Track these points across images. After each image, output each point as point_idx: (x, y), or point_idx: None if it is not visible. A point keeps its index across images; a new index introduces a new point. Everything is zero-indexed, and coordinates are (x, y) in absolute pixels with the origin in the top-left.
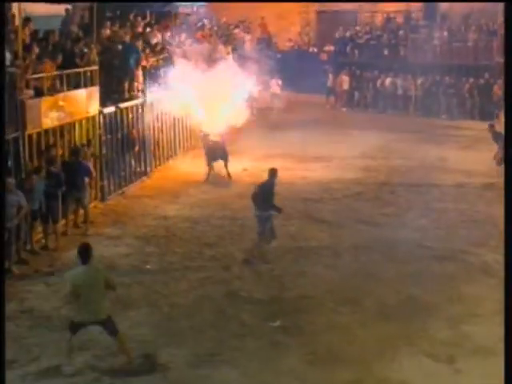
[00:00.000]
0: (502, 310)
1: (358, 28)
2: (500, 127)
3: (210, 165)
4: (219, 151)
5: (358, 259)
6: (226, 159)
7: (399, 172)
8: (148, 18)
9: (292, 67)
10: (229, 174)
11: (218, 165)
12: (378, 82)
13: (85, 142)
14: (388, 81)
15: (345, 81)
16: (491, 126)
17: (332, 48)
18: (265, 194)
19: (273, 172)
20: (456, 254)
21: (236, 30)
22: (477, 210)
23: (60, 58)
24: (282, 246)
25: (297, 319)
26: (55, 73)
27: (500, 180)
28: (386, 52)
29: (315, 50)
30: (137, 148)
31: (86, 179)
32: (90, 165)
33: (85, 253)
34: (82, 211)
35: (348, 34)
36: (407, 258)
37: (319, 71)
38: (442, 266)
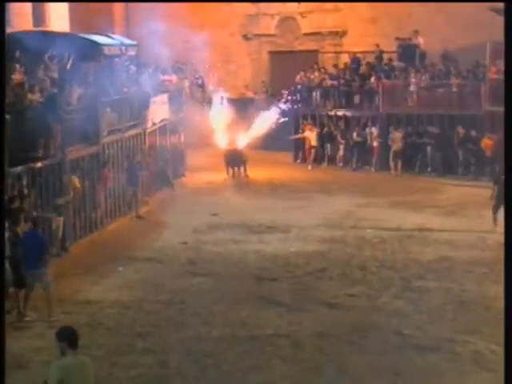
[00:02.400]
0: None
1: (322, 71)
2: None
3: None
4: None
5: (322, 350)
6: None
7: (370, 243)
8: (67, 60)
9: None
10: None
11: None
12: (352, 135)
13: None
14: (361, 133)
15: (312, 134)
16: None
17: (290, 96)
18: None
19: None
20: (441, 344)
21: (167, 76)
22: (464, 289)
23: None
24: (231, 335)
25: None
26: None
27: (492, 253)
28: (356, 100)
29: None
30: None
31: None
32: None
33: (73, 336)
34: None
35: (313, 77)
36: (381, 349)
37: (282, 124)
38: (424, 357)
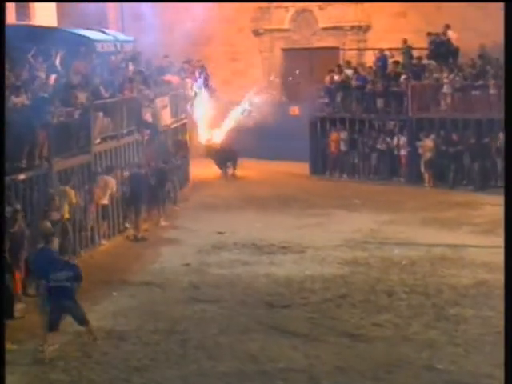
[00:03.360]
0: None
1: (348, 71)
2: None
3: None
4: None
5: None
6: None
7: (398, 266)
8: (54, 58)
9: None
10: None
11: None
12: (378, 142)
13: None
14: (388, 140)
15: (335, 142)
16: None
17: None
18: None
19: None
20: (478, 380)
21: (168, 76)
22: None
23: None
24: (239, 370)
25: None
26: None
27: None
28: (382, 103)
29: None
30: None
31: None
32: None
33: None
34: None
35: (337, 78)
36: None
37: (297, 131)
38: None
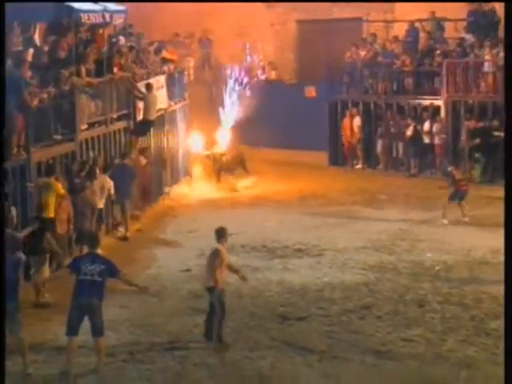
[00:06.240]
0: None
1: (376, 46)
2: None
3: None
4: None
5: None
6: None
7: (431, 272)
8: (32, 31)
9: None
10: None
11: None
12: (408, 129)
13: None
14: (419, 126)
15: (358, 128)
16: None
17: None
18: None
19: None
20: None
21: (166, 53)
22: None
23: None
24: None
25: None
26: None
27: None
28: (410, 83)
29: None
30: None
31: None
32: None
33: None
34: None
35: (363, 53)
36: None
37: (313, 115)
38: None
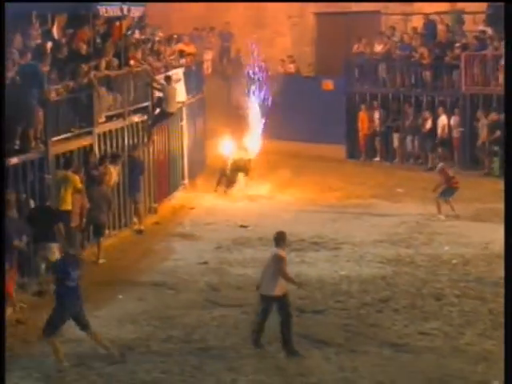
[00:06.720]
0: None
1: (395, 39)
2: None
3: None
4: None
5: None
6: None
7: (449, 265)
8: (50, 24)
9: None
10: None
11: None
12: (426, 122)
13: None
14: (440, 121)
15: (376, 121)
16: None
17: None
18: None
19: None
20: None
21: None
22: None
23: None
24: None
25: None
26: None
27: None
28: (430, 76)
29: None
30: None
31: None
32: None
33: None
34: None
35: (380, 47)
36: None
37: (331, 108)
38: None
